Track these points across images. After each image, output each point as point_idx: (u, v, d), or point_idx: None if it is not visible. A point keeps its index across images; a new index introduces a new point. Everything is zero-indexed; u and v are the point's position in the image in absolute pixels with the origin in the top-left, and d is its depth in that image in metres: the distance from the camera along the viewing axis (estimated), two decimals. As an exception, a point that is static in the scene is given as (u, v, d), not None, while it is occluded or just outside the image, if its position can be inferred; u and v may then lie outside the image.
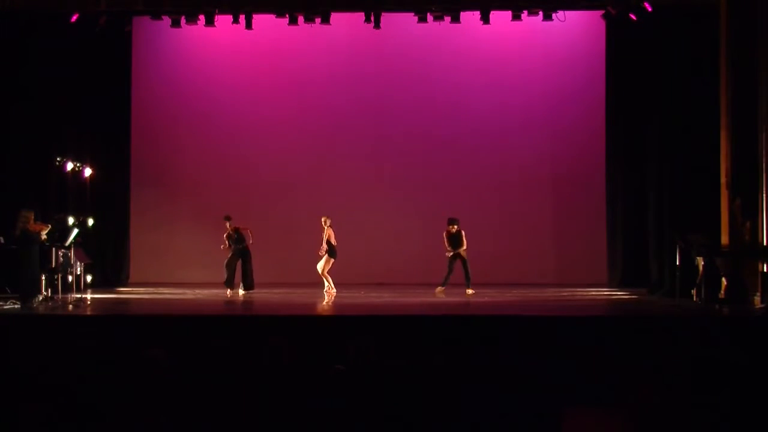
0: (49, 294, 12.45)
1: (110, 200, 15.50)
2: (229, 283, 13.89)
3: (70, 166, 14.11)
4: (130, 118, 15.84)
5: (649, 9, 13.74)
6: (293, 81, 16.41)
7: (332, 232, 13.70)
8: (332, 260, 13.72)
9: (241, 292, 13.80)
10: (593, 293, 14.20)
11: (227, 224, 13.98)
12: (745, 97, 12.55)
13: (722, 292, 12.16)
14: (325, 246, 13.68)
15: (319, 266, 13.75)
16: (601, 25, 15.15)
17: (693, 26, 13.70)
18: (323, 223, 13.75)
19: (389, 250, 16.05)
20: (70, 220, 13.35)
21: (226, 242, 13.94)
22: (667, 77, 14.08)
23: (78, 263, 13.05)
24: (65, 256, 12.85)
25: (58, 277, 12.77)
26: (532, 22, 14.74)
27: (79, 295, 12.76)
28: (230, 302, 13.14)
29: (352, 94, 16.39)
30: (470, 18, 14.58)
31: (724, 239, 12.72)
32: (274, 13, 14.49)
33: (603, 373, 7.44)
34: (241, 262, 13.92)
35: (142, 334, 9.63)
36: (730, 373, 6.36)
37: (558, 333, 9.77)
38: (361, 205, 16.22)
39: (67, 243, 12.63)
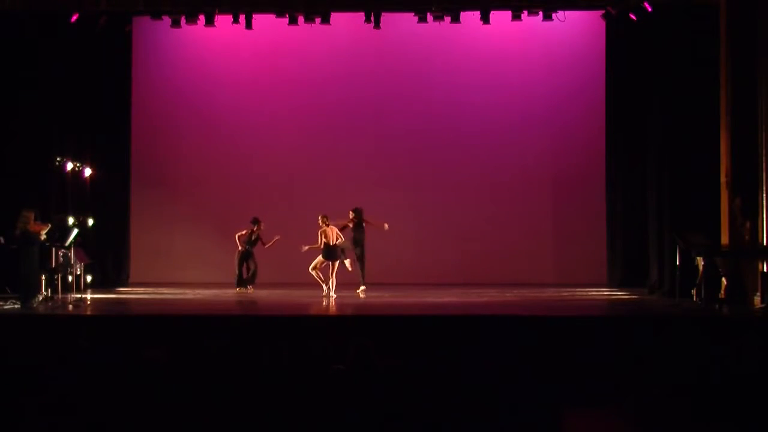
0: (49, 294, 12.45)
1: (110, 200, 15.48)
2: (241, 283, 14.51)
3: (70, 166, 14.11)
4: (130, 119, 15.83)
5: (649, 9, 13.73)
6: (293, 81, 16.41)
7: (329, 232, 13.30)
8: (321, 259, 13.36)
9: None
10: (593, 293, 14.20)
11: (255, 227, 14.44)
12: (745, 97, 12.53)
13: (722, 292, 12.14)
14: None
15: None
16: (601, 25, 15.15)
17: (693, 26, 13.68)
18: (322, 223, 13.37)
19: (389, 250, 16.03)
20: (70, 220, 13.35)
21: (241, 240, 14.52)
22: (667, 77, 14.06)
23: (78, 263, 13.05)
24: (65, 256, 12.84)
25: (58, 277, 12.76)
26: (532, 22, 14.73)
27: (79, 295, 12.76)
28: (240, 301, 13.29)
29: (351, 94, 16.39)
30: (470, 18, 14.57)
31: (724, 239, 12.71)
32: (274, 13, 14.47)
33: (603, 373, 7.44)
34: (246, 262, 14.57)
35: (142, 334, 9.63)
36: (730, 373, 6.36)
37: (558, 333, 9.77)
38: (361, 205, 16.16)
39: (67, 243, 12.63)
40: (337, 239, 13.29)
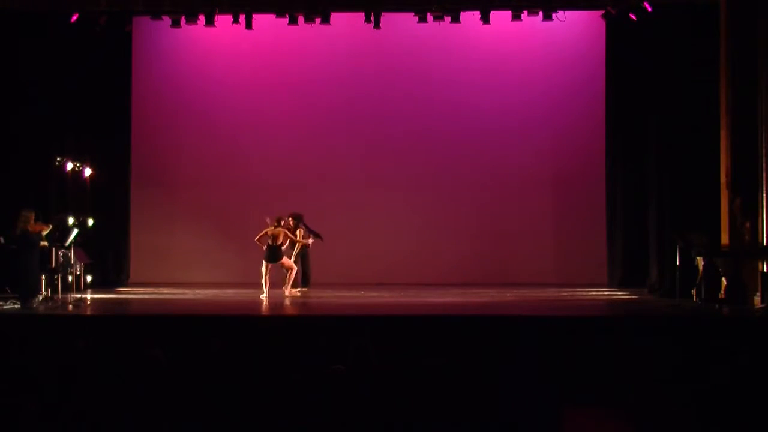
0: (49, 294, 12.44)
1: (110, 200, 15.48)
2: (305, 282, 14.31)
3: (70, 166, 14.11)
4: (130, 118, 15.82)
5: (649, 9, 13.74)
6: (293, 81, 16.40)
7: (271, 234, 13.18)
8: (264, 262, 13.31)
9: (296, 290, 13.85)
10: (593, 293, 14.19)
11: (291, 221, 14.15)
12: (745, 97, 12.54)
13: (722, 292, 12.15)
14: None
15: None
16: (601, 25, 15.14)
17: (693, 26, 13.69)
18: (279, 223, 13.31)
19: (389, 250, 16.05)
20: (70, 220, 13.35)
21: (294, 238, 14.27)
22: (667, 77, 14.07)
23: (78, 263, 13.05)
24: (65, 256, 12.84)
25: (58, 277, 12.76)
26: (532, 22, 14.72)
27: (79, 295, 12.76)
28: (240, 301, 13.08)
29: (351, 94, 16.38)
30: (470, 18, 14.57)
31: (724, 239, 12.71)
32: (274, 13, 14.48)
33: (603, 373, 7.44)
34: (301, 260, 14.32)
35: (142, 334, 9.62)
36: (730, 372, 6.36)
37: (558, 333, 9.77)
38: (361, 205, 16.22)
39: (67, 243, 12.63)
40: (281, 242, 13.19)
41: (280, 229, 13.30)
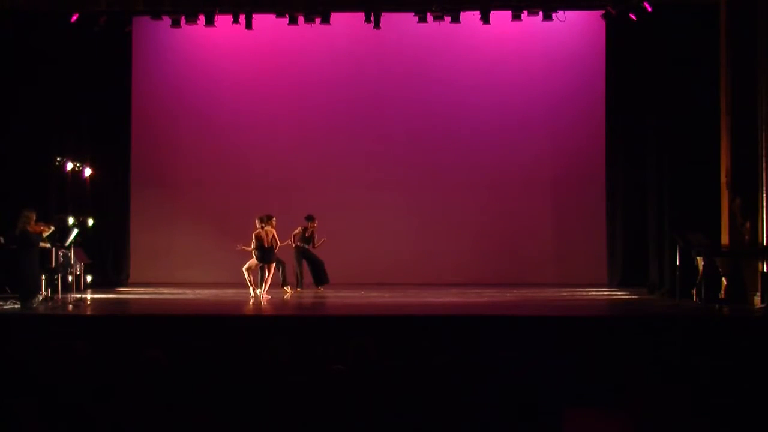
0: (49, 294, 12.45)
1: (110, 200, 15.50)
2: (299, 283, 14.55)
3: (70, 166, 14.12)
4: (130, 119, 15.83)
5: (649, 9, 13.74)
6: (293, 81, 16.41)
7: (262, 234, 12.93)
8: (254, 261, 13.06)
9: (291, 290, 13.98)
10: (593, 293, 14.19)
11: (309, 224, 14.46)
12: (745, 97, 12.54)
13: (722, 292, 12.16)
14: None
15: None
16: (601, 25, 15.15)
17: (693, 26, 13.70)
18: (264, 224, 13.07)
19: (389, 250, 16.05)
20: (70, 220, 13.35)
21: (296, 238, 14.41)
22: (667, 77, 14.07)
23: (78, 263, 13.05)
24: (65, 256, 12.85)
25: (58, 277, 12.76)
26: (532, 22, 14.73)
27: (79, 295, 12.76)
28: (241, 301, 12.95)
29: (351, 94, 16.39)
30: (470, 18, 14.58)
31: (724, 239, 12.72)
32: (274, 13, 14.49)
33: (603, 373, 7.44)
34: (306, 260, 14.53)
35: (142, 334, 9.63)
36: (730, 372, 6.37)
37: (558, 333, 9.77)
38: (361, 205, 16.22)
39: (67, 243, 12.64)
40: (272, 242, 12.99)
41: (270, 229, 13.10)
